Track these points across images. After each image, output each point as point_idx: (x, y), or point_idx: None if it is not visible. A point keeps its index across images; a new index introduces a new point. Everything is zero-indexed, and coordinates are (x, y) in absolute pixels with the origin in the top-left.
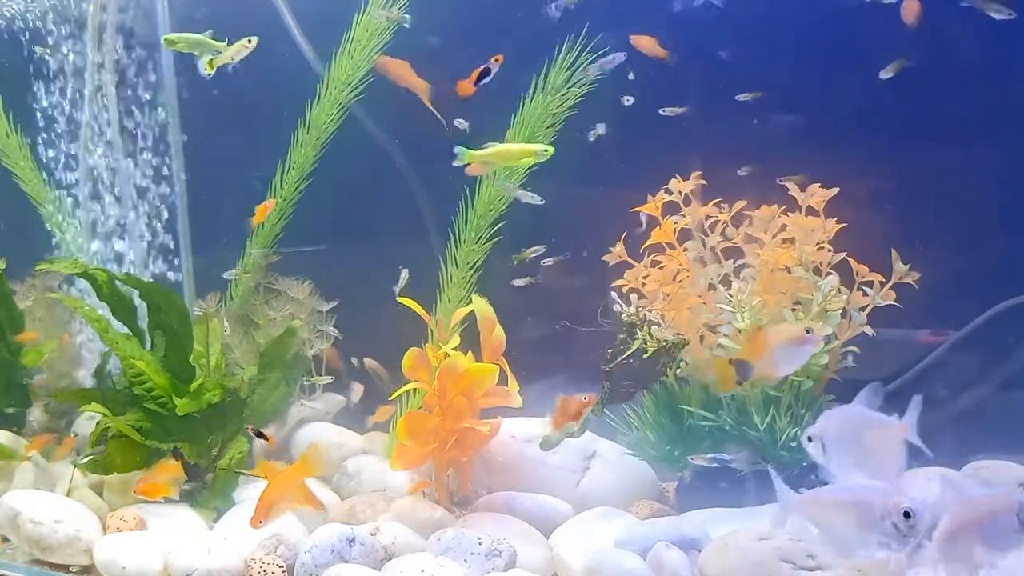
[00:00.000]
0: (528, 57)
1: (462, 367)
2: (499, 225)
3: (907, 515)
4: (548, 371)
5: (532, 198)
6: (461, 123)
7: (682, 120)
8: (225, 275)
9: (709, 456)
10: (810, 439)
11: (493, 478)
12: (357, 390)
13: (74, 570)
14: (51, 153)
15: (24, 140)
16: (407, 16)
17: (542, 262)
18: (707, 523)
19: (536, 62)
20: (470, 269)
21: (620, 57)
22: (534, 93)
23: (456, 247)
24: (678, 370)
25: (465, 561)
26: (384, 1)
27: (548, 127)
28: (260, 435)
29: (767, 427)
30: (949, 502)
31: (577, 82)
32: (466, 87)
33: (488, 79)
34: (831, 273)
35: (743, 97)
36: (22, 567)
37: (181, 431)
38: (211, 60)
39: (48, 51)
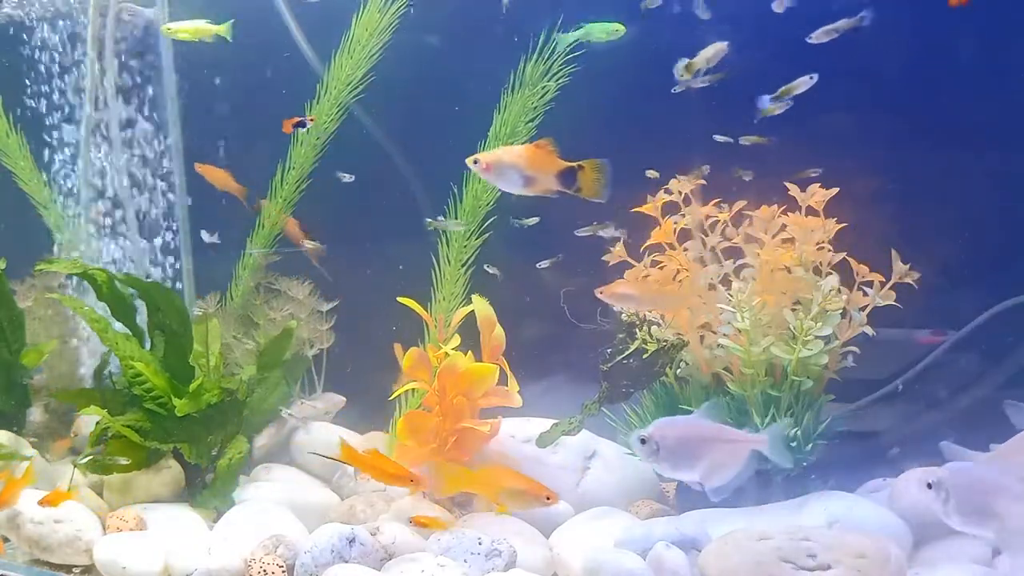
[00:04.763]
0: (505, 52)
1: (462, 367)
2: (489, 221)
3: None
4: (548, 371)
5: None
6: (525, 221)
7: (681, 119)
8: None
9: None
10: (643, 440)
11: None
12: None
13: (76, 570)
14: (50, 153)
15: (24, 140)
16: None
17: (538, 264)
18: (707, 523)
19: (514, 58)
20: (462, 266)
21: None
22: (513, 90)
23: (447, 245)
24: (678, 370)
25: (465, 561)
26: (383, 2)
27: (528, 121)
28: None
29: (767, 427)
30: None
31: (554, 75)
32: (287, 127)
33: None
34: (831, 273)
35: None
36: (22, 567)
37: (181, 431)
38: None
39: None
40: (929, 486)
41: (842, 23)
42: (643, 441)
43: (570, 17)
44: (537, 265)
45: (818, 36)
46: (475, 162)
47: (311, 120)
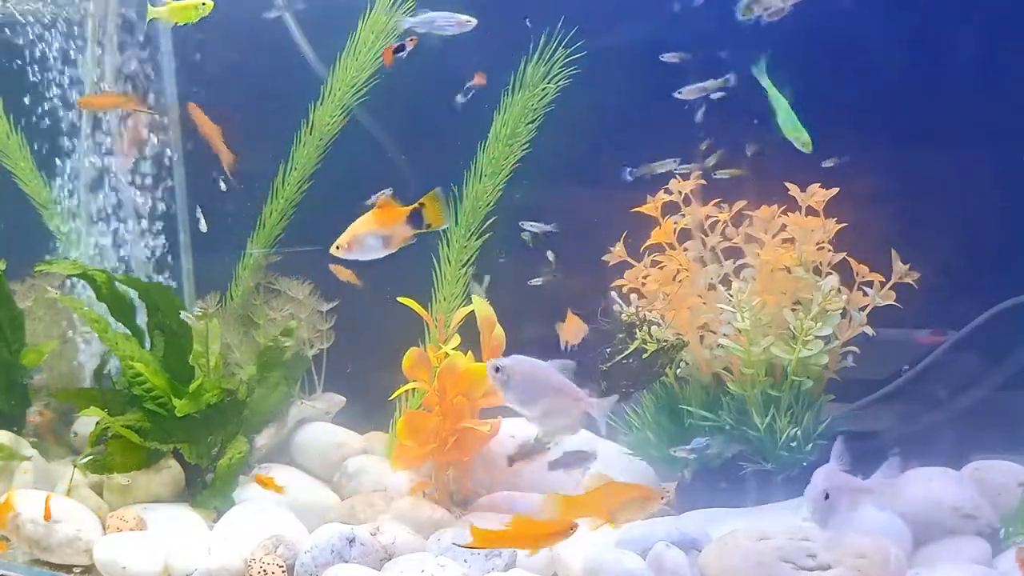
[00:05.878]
0: (507, 55)
1: (462, 367)
2: (489, 222)
3: None
4: None
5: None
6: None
7: (680, 119)
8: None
9: (688, 447)
10: (497, 369)
11: (493, 478)
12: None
13: (76, 570)
14: (50, 153)
15: (24, 141)
16: None
17: (529, 282)
18: (707, 523)
19: (516, 60)
20: (462, 267)
21: None
22: (514, 91)
23: (448, 246)
24: (678, 370)
25: (465, 561)
26: (390, 3)
27: (529, 123)
28: None
29: (767, 427)
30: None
31: (554, 77)
32: (388, 56)
33: (403, 53)
34: (831, 273)
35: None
36: (22, 567)
37: (181, 431)
38: None
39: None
40: (497, 370)
41: (709, 83)
42: (497, 369)
43: (571, 19)
44: (529, 283)
45: (687, 93)
46: (337, 248)
47: (411, 41)
